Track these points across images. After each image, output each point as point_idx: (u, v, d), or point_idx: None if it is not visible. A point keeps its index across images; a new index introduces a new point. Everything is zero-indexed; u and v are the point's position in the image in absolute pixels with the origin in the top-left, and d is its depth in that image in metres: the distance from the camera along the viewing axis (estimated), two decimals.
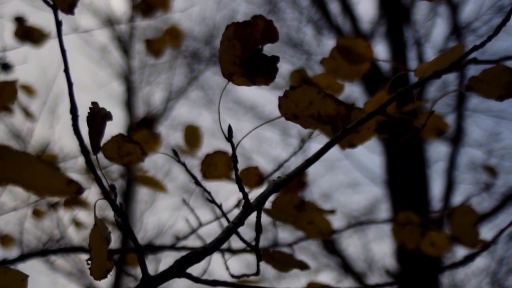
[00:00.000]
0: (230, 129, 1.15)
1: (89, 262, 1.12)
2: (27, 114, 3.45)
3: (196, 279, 1.08)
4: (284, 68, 8.95)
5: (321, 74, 1.78)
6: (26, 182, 0.80)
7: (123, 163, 1.50)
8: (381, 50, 8.10)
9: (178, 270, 1.09)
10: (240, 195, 1.22)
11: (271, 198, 1.31)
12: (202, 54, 10.56)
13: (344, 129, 1.40)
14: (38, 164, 0.79)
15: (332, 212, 1.97)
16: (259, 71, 1.13)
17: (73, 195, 0.81)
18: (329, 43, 8.72)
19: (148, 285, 1.08)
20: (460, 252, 6.42)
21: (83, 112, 1.13)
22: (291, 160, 2.10)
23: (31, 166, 0.79)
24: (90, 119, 1.13)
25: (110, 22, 10.08)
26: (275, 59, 1.12)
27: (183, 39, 3.63)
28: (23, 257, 2.42)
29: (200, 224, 2.13)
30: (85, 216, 3.36)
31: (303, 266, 1.80)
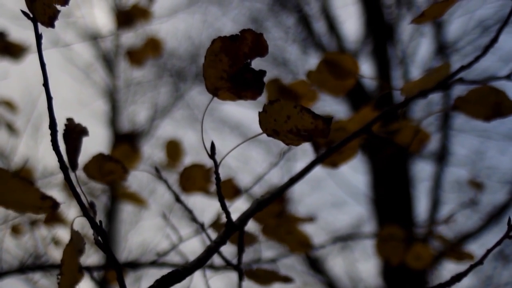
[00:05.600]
0: (212, 146, 1.13)
1: (59, 277, 1.09)
2: (11, 129, 3.42)
3: None
4: None
5: (297, 81, 1.76)
6: (1, 197, 0.78)
7: (105, 182, 1.48)
8: (366, 69, 8.12)
9: None
10: (221, 209, 1.20)
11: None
12: (188, 73, 10.56)
13: (328, 148, 1.39)
14: (11, 180, 0.77)
15: (310, 220, 1.96)
16: (246, 85, 1.11)
17: (48, 211, 0.79)
18: (315, 62, 8.71)
19: None
20: (446, 267, 6.43)
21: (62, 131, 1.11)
22: (272, 171, 2.08)
23: (5, 181, 0.77)
24: (66, 135, 1.11)
25: (94, 39, 10.06)
26: (262, 73, 1.11)
27: (164, 50, 3.62)
28: (1, 275, 2.38)
29: (181, 240, 2.11)
30: (65, 234, 3.32)
31: (287, 279, 1.78)
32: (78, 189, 1.07)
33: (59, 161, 1.08)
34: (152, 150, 9.69)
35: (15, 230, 3.15)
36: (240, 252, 1.35)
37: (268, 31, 9.08)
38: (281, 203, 2.00)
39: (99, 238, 1.09)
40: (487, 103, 1.27)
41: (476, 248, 7.12)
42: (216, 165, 1.14)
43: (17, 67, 2.94)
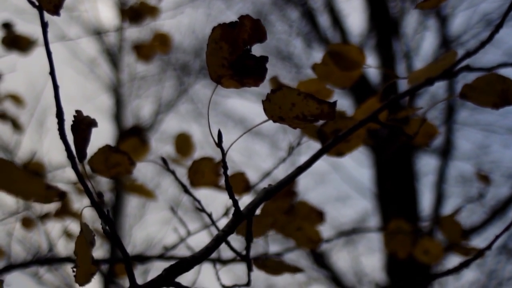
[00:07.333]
0: (220, 134, 1.13)
1: (75, 269, 1.09)
2: (15, 124, 3.41)
3: None
4: None
5: (309, 80, 1.75)
6: (6, 187, 0.77)
7: (111, 175, 1.47)
8: (370, 63, 8.11)
9: (166, 278, 1.06)
10: (230, 202, 1.20)
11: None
12: (192, 67, 10.54)
13: (335, 137, 1.38)
14: (15, 170, 0.77)
15: (320, 215, 1.95)
16: (248, 72, 1.11)
17: (55, 199, 0.79)
18: (319, 56, 8.72)
19: None
20: (451, 262, 6.42)
21: (70, 123, 1.10)
22: (279, 167, 2.08)
23: (9, 172, 0.76)
24: (75, 127, 1.11)
25: (99, 33, 10.06)
26: (264, 59, 1.10)
27: (172, 45, 3.61)
28: (9, 268, 2.38)
29: (189, 233, 2.10)
30: (75, 227, 3.31)
31: (296, 269, 1.78)
32: (85, 179, 1.07)
33: (66, 150, 1.07)
34: (156, 145, 9.70)
35: (26, 223, 3.14)
36: (248, 241, 1.34)
37: (272, 25, 9.07)
38: (290, 197, 1.99)
39: (107, 227, 1.08)
40: (494, 91, 1.26)
41: (480, 242, 7.11)
42: (223, 153, 1.14)
43: (22, 63, 2.94)
